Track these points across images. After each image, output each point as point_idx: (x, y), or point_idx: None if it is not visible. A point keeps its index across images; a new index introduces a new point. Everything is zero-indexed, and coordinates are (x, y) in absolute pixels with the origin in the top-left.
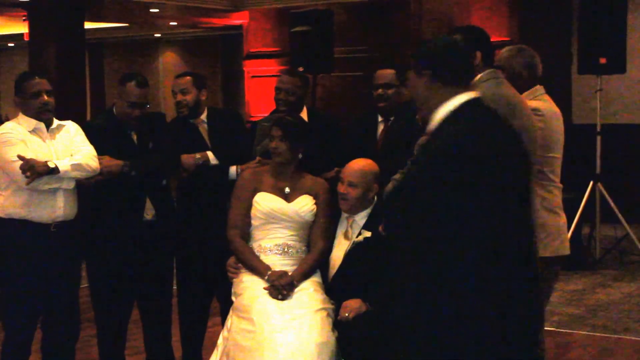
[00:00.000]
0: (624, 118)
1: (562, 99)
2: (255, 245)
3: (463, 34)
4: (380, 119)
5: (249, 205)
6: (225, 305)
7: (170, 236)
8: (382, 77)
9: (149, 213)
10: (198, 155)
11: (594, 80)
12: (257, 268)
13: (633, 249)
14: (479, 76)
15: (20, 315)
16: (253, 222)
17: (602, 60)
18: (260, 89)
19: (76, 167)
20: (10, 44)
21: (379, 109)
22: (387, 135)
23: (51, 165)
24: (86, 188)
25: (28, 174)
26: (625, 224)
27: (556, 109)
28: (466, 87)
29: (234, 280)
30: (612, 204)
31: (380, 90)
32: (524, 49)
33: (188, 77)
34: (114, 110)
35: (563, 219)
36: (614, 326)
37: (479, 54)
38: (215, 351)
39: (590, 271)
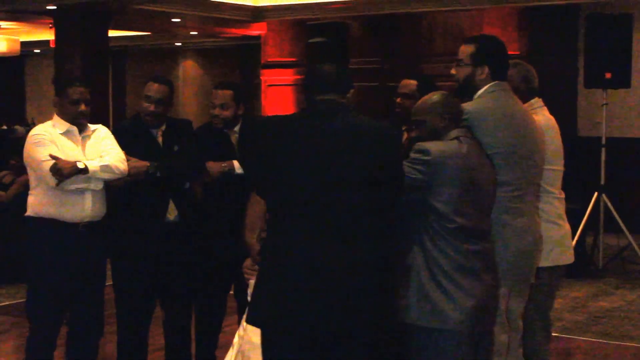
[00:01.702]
0: (627, 131)
1: (568, 112)
2: None
3: (475, 45)
4: (403, 127)
5: (265, 209)
6: (241, 305)
7: (192, 236)
8: (404, 87)
9: (172, 214)
10: (224, 164)
11: (599, 94)
12: None
13: (635, 258)
14: (485, 87)
15: (46, 312)
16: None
17: (608, 75)
18: (276, 98)
19: (105, 168)
20: (36, 50)
21: (396, 115)
22: (409, 144)
23: (80, 165)
24: (113, 189)
25: (57, 176)
26: (628, 234)
27: (553, 122)
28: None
29: (250, 281)
30: (616, 214)
31: (399, 99)
32: (519, 63)
33: (229, 92)
34: (141, 114)
35: (564, 228)
36: (615, 333)
37: (486, 68)
38: (231, 349)
39: (593, 279)
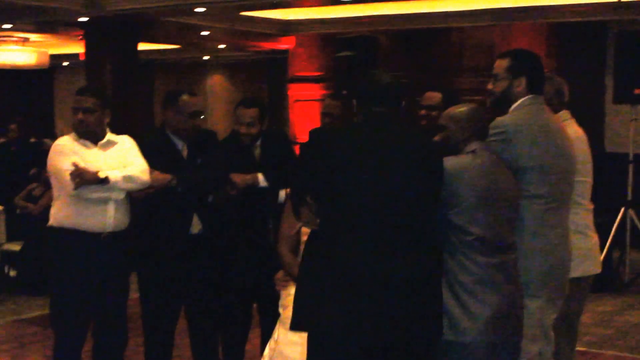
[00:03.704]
0: None
1: (595, 127)
2: None
3: (511, 59)
4: None
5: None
6: (265, 318)
7: (216, 250)
8: (428, 99)
9: (196, 228)
10: (248, 177)
11: (627, 110)
12: None
13: None
14: (520, 101)
15: (70, 322)
16: (302, 237)
17: (637, 91)
18: (304, 112)
19: (127, 179)
20: (65, 63)
21: (421, 128)
22: None
23: (101, 175)
24: (137, 201)
25: (77, 180)
26: None
27: (580, 134)
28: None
29: (282, 292)
30: None
31: (423, 111)
32: (553, 77)
33: (256, 110)
34: (165, 127)
35: (593, 239)
36: None
37: (523, 80)
38: None
39: (619, 294)
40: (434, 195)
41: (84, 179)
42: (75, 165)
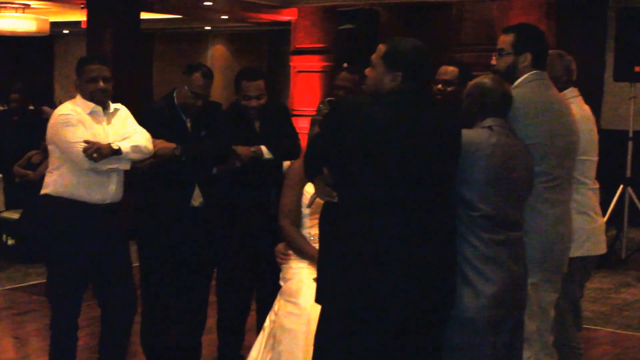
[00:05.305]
0: None
1: (594, 105)
2: (305, 232)
3: (516, 34)
4: None
5: (300, 194)
6: (265, 290)
7: (216, 222)
8: (444, 74)
9: (197, 200)
10: (253, 149)
11: (625, 88)
12: (310, 253)
13: None
14: (524, 76)
15: (65, 293)
16: (304, 210)
17: (637, 69)
18: (305, 84)
19: (134, 148)
20: (65, 31)
21: (436, 102)
22: None
23: (115, 147)
24: (140, 171)
25: (95, 155)
26: None
27: (587, 112)
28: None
29: (283, 266)
30: None
31: (439, 86)
32: (563, 55)
33: (262, 81)
34: (174, 96)
35: (597, 221)
36: (637, 324)
37: (528, 56)
38: (262, 333)
39: (616, 271)
40: (455, 174)
41: (101, 154)
42: (87, 141)
